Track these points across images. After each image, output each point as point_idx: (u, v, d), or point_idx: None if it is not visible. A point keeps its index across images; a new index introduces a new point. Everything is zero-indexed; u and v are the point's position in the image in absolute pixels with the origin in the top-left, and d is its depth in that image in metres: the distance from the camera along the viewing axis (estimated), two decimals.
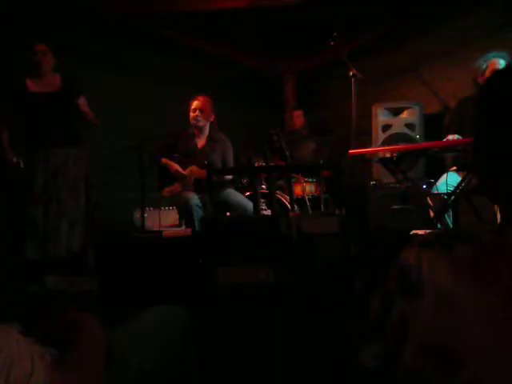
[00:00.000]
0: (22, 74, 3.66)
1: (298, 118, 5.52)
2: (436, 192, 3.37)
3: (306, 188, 4.61)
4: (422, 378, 0.61)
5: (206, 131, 4.05)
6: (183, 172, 3.86)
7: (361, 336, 0.75)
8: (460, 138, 3.24)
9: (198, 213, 3.58)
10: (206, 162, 3.86)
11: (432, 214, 3.27)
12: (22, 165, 3.53)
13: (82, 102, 3.74)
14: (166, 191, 3.92)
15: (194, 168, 3.86)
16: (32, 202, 3.50)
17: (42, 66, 3.62)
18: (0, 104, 3.62)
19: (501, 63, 3.42)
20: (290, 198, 4.07)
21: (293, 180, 4.28)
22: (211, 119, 4.03)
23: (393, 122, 4.37)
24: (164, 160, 3.95)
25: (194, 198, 3.64)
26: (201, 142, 4.04)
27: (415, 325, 0.63)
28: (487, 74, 3.46)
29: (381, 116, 4.41)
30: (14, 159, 3.51)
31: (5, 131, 3.55)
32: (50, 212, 3.51)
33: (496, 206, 3.27)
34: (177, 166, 3.88)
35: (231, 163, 4.10)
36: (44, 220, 3.50)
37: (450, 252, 0.66)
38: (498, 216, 3.21)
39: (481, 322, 0.59)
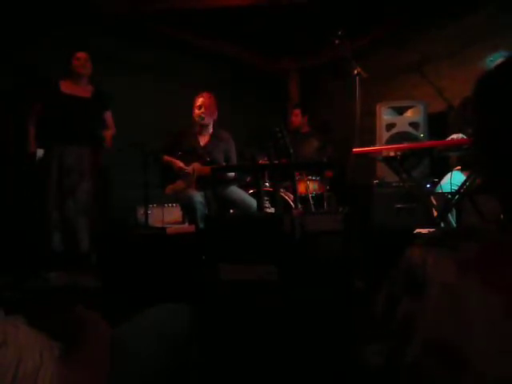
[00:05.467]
0: (59, 75, 3.85)
1: (296, 116, 5.50)
2: (440, 191, 3.37)
3: (309, 186, 4.61)
4: (425, 376, 0.61)
5: (210, 129, 4.05)
6: (187, 169, 3.86)
7: (364, 334, 0.75)
8: (464, 136, 3.23)
9: (201, 210, 3.58)
10: (208, 160, 3.86)
11: (436, 213, 3.26)
12: (38, 155, 3.69)
13: (108, 115, 3.97)
14: (169, 189, 3.92)
15: (196, 165, 3.85)
16: (48, 196, 3.65)
17: (82, 70, 3.83)
18: (34, 100, 3.80)
19: None
20: (294, 196, 4.07)
21: (296, 178, 4.28)
22: (215, 116, 4.02)
23: (397, 120, 4.35)
24: (167, 158, 3.95)
25: (197, 195, 3.64)
26: (204, 139, 4.03)
27: (420, 323, 0.63)
28: None
29: (385, 115, 4.39)
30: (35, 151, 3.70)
31: (32, 125, 3.73)
32: (66, 208, 3.67)
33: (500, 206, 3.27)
34: (180, 164, 3.88)
35: (234, 160, 4.10)
36: (61, 215, 3.66)
37: (456, 250, 0.66)
38: (502, 215, 3.20)
39: (486, 321, 0.59)
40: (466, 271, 0.63)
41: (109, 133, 3.94)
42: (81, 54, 3.84)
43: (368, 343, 0.73)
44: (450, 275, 0.63)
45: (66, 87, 3.82)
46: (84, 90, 3.89)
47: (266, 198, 4.17)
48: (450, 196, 3.16)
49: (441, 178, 3.52)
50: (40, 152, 3.69)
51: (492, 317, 0.59)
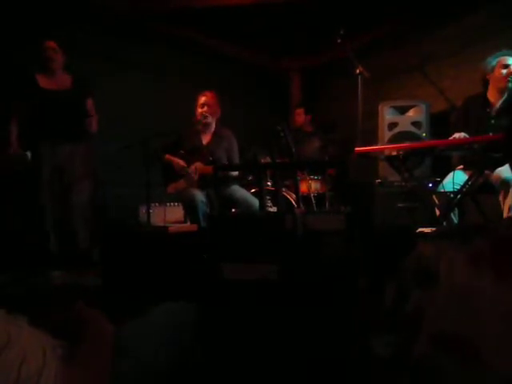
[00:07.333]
0: (33, 69, 3.71)
1: (299, 115, 5.51)
2: (442, 190, 3.36)
3: (311, 185, 4.60)
4: (435, 367, 0.61)
5: (212, 127, 4.04)
6: (188, 169, 3.85)
7: (374, 326, 0.75)
8: (466, 135, 3.22)
9: (203, 209, 3.58)
10: (210, 159, 3.86)
11: (438, 212, 3.26)
12: (29, 157, 3.63)
13: (89, 103, 3.85)
14: (171, 187, 3.92)
15: (198, 164, 3.84)
16: (40, 196, 3.62)
17: (53, 62, 3.68)
18: (11, 99, 3.69)
19: (510, 60, 3.40)
20: (296, 195, 4.07)
21: (298, 178, 4.28)
22: (218, 115, 4.02)
23: (399, 120, 4.36)
24: (168, 156, 3.94)
25: (199, 194, 3.64)
26: (206, 138, 4.02)
27: (431, 315, 0.63)
28: (496, 71, 3.44)
29: (387, 114, 4.39)
30: (20, 152, 3.61)
31: (14, 125, 3.63)
32: (58, 207, 3.66)
33: (502, 205, 3.26)
34: (182, 162, 3.87)
35: (237, 159, 4.09)
36: (54, 215, 3.64)
37: (469, 245, 0.66)
38: (504, 214, 3.20)
39: (497, 314, 0.58)
40: (479, 265, 0.63)
41: (92, 119, 3.82)
42: (49, 44, 3.66)
43: (377, 334, 0.73)
44: (463, 269, 0.63)
45: (43, 82, 3.67)
46: (62, 82, 3.74)
47: (267, 197, 4.16)
48: (452, 195, 3.15)
49: (443, 177, 3.51)
50: (29, 154, 3.63)
51: (504, 310, 0.58)
